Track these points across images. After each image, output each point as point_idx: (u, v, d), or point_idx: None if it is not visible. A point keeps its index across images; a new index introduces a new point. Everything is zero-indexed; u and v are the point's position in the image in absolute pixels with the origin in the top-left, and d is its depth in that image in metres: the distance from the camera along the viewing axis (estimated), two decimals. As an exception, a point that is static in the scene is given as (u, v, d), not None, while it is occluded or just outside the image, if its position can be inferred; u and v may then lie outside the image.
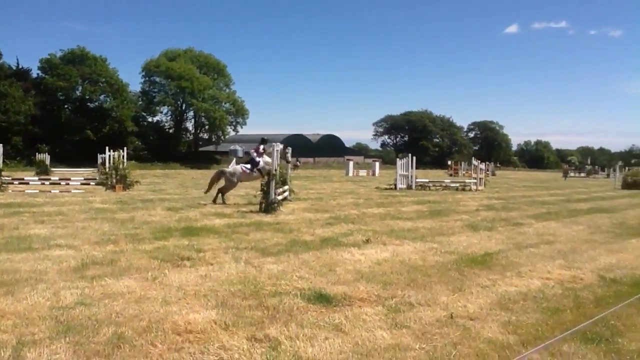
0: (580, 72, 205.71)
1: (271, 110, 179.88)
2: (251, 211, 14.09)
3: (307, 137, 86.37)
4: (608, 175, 56.16)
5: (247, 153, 16.72)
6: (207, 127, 68.40)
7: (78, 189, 20.36)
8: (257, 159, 17.05)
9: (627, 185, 33.85)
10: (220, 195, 16.44)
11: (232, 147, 67.51)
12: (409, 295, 6.05)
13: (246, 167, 17.03)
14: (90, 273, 6.71)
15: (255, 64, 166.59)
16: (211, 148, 72.38)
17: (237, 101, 68.42)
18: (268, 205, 14.02)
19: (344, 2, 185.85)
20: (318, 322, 4.99)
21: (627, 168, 47.29)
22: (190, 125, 70.61)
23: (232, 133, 72.37)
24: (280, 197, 15.08)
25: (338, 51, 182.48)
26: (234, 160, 19.17)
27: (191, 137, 71.67)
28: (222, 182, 16.86)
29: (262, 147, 17.43)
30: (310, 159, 75.25)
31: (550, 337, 4.76)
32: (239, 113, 68.81)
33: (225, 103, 67.29)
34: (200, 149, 72.35)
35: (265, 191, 14.26)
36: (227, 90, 69.30)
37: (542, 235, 11.37)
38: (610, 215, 16.04)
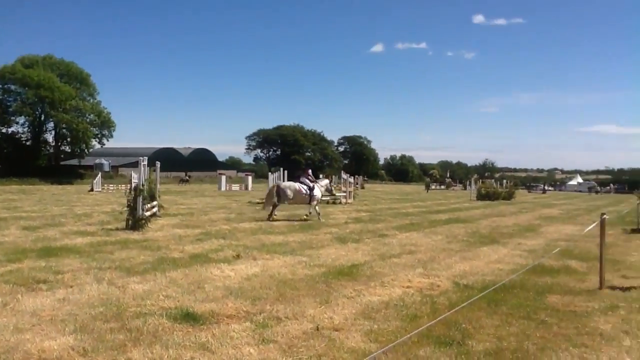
0: (440, 91, 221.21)
1: (140, 123, 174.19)
2: (117, 228, 13.51)
3: (179, 150, 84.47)
4: (465, 188, 60.44)
5: (300, 180, 18.45)
6: (69, 139, 64.39)
7: None
8: (312, 184, 18.02)
9: (481, 196, 36.66)
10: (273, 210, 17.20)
11: (97, 161, 64.15)
12: (277, 310, 6.12)
13: (303, 187, 17.67)
14: None
15: (122, 74, 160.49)
16: (74, 162, 68.24)
17: (103, 112, 65.15)
18: (135, 222, 13.51)
19: (217, 16, 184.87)
20: (184, 342, 4.89)
21: (481, 181, 51.17)
22: (50, 137, 66.15)
23: (98, 146, 68.80)
24: (148, 213, 14.59)
25: (210, 64, 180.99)
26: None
27: (52, 150, 67.10)
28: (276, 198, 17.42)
29: (309, 170, 19.50)
30: (182, 174, 73.43)
31: (408, 342, 5.05)
32: (105, 125, 65.53)
33: (89, 114, 63.81)
34: (62, 163, 67.89)
35: (132, 207, 13.73)
36: (92, 101, 65.80)
37: (405, 245, 11.99)
38: (466, 225, 17.29)
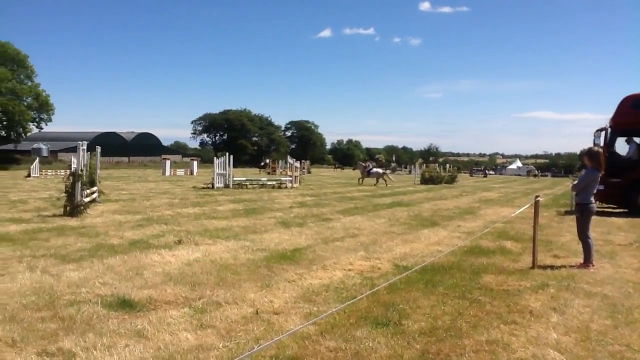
0: (386, 76, 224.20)
1: (82, 107, 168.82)
2: (54, 215, 13.11)
3: (122, 135, 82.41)
4: (410, 172, 61.32)
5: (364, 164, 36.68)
6: (4, 123, 61.73)
7: None
8: (374, 170, 34.03)
9: (424, 180, 37.29)
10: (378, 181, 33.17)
11: (35, 146, 62.02)
12: (217, 295, 6.09)
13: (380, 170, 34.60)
14: None
15: (62, 55, 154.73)
16: (10, 147, 65.59)
17: (41, 95, 62.70)
18: (73, 208, 13.14)
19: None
20: (119, 330, 4.80)
21: (425, 165, 52.03)
22: (-16, 121, 63.20)
23: (35, 130, 66.36)
24: (87, 199, 14.22)
25: (155, 47, 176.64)
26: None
27: (-15, 134, 64.23)
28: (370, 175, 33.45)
29: (368, 163, 36.82)
30: (125, 159, 71.74)
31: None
32: (43, 108, 63.14)
33: (26, 97, 61.27)
34: (-3, 148, 65.18)
35: (71, 193, 13.32)
36: (29, 83, 63.23)
37: (348, 229, 12.10)
38: (408, 208, 17.59)
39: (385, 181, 32.96)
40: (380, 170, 34.02)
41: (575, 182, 8.80)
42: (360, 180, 33.60)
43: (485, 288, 6.73)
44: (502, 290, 6.64)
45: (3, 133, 64.26)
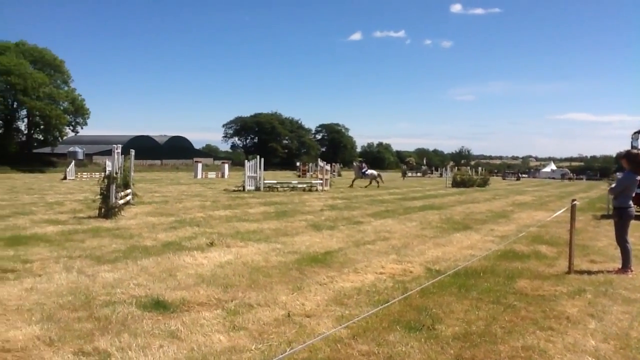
0: (416, 79, 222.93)
1: (115, 110, 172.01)
2: (89, 217, 13.34)
3: (154, 138, 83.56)
4: (441, 175, 60.81)
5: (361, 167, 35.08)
6: (42, 127, 63.32)
7: None
8: (369, 171, 34.20)
9: (456, 183, 36.92)
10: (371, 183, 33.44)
11: (71, 149, 63.36)
12: (249, 297, 6.11)
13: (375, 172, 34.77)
14: None
15: (97, 60, 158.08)
16: (47, 150, 67.18)
17: (77, 99, 64.17)
18: (108, 210, 13.35)
19: (194, 1, 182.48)
20: (153, 330, 4.85)
21: (457, 168, 51.47)
22: (23, 125, 64.98)
23: (71, 134, 67.87)
24: (121, 201, 14.44)
25: (187, 51, 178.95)
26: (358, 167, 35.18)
27: (24, 138, 65.92)
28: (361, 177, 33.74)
29: (363, 164, 35.35)
30: (157, 161, 72.77)
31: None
32: (79, 112, 64.59)
33: (63, 101, 62.72)
34: (35, 151, 66.83)
35: (105, 195, 13.55)
36: (66, 88, 64.77)
37: (379, 232, 12.04)
38: (440, 211, 17.42)
39: (378, 183, 33.46)
40: (375, 172, 34.72)
41: (613, 185, 8.59)
42: (353, 181, 33.68)
43: (520, 293, 6.61)
44: (538, 296, 6.51)
45: (41, 137, 65.94)
